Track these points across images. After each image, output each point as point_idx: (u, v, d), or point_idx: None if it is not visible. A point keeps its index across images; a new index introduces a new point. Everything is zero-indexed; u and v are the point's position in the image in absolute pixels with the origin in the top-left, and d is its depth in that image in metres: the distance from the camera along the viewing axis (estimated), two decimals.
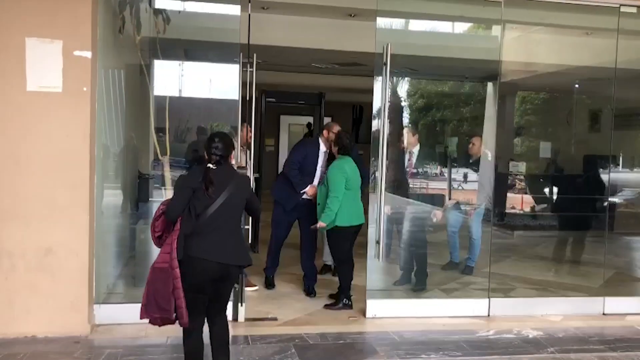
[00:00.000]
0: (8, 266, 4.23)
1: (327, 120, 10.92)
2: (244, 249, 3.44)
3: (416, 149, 5.98)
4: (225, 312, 3.51)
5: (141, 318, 3.26)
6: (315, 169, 5.62)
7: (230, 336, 3.49)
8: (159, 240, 3.30)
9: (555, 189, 7.80)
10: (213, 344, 3.39)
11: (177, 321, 3.20)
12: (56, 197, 4.27)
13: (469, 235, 6.09)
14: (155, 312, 3.19)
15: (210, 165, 3.27)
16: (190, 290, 3.16)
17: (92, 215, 4.39)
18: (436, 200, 6.44)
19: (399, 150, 6.03)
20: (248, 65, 4.78)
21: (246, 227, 4.96)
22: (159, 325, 3.28)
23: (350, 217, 5.12)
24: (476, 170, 6.23)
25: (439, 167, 7.55)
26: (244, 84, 4.83)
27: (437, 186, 7.04)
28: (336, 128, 5.62)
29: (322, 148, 5.61)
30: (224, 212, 3.22)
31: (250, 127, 5.12)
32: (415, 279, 5.70)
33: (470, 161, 6.25)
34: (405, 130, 6.38)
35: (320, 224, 5.06)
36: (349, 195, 5.08)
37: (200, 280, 3.20)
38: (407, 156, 5.98)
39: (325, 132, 5.64)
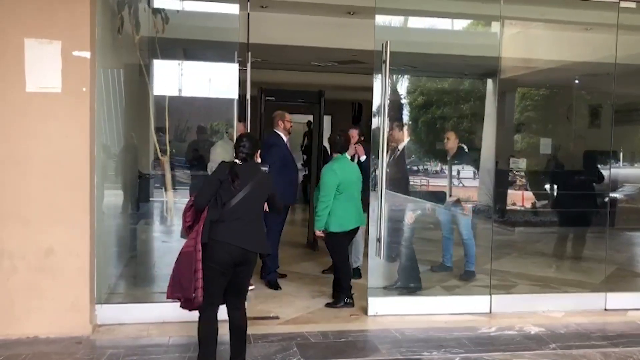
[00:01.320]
0: (9, 267, 4.23)
1: (327, 118, 10.97)
2: (262, 238, 3.72)
3: (402, 146, 5.85)
4: (244, 302, 3.72)
5: (167, 298, 3.57)
6: (292, 157, 6.00)
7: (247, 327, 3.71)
8: (189, 230, 3.57)
9: (555, 185, 7.80)
10: (231, 333, 3.65)
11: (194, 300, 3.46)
12: (56, 198, 4.27)
13: (460, 238, 6.01)
14: (178, 292, 3.48)
15: (237, 161, 3.62)
16: (212, 271, 3.45)
17: (92, 215, 4.39)
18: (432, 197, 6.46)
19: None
20: (247, 64, 4.79)
21: None
22: (182, 307, 3.54)
23: (343, 221, 5.04)
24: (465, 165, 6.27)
25: (439, 164, 7.55)
26: (243, 83, 4.83)
27: (433, 183, 7.06)
28: (289, 116, 5.97)
29: (284, 138, 5.95)
30: (246, 204, 3.53)
31: (246, 125, 5.10)
32: (403, 278, 5.58)
33: (448, 157, 6.21)
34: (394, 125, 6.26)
35: (317, 233, 5.08)
36: (342, 198, 5.01)
37: (222, 261, 3.47)
38: (395, 153, 5.87)
39: (280, 122, 5.93)
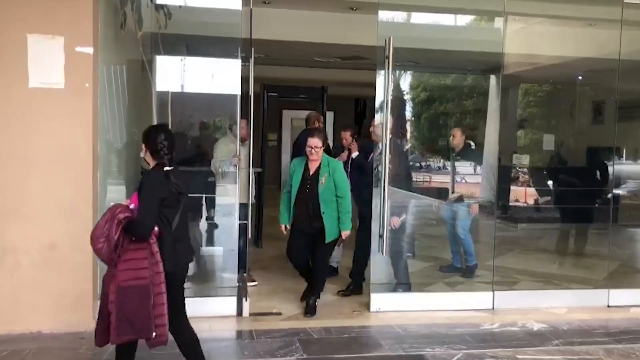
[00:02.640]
0: (12, 263, 4.24)
1: (329, 114, 10.96)
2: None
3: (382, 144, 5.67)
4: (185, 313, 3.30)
5: (112, 343, 3.00)
6: None
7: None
8: (115, 253, 2.92)
9: (558, 182, 7.79)
10: (187, 350, 3.27)
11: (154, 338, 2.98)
12: (59, 193, 4.28)
13: (456, 235, 5.95)
14: (129, 334, 2.94)
15: (167, 168, 3.08)
16: (177, 291, 3.16)
17: (95, 210, 4.39)
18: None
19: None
20: (250, 60, 4.78)
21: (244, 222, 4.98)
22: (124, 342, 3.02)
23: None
24: (473, 162, 6.21)
25: (442, 160, 7.54)
26: (245, 79, 4.83)
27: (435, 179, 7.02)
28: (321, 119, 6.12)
29: None
30: (185, 212, 3.21)
31: (248, 121, 5.07)
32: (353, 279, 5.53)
33: (454, 154, 6.16)
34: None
35: (347, 233, 4.87)
36: None
37: (183, 280, 3.25)
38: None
39: (316, 122, 6.14)
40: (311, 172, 4.85)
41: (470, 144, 6.10)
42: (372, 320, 4.85)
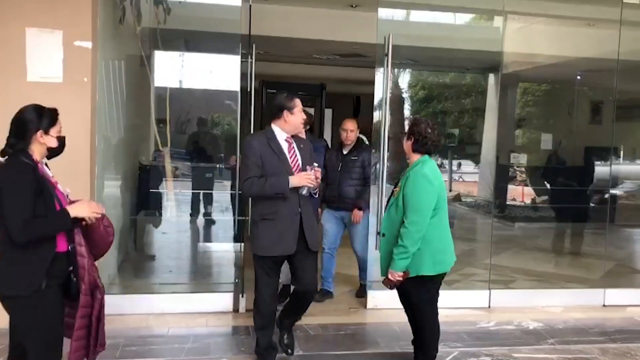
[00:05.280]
0: None
1: (328, 112, 10.96)
2: None
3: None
4: None
5: None
6: None
7: None
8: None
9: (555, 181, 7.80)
10: None
11: None
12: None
13: (353, 251, 5.21)
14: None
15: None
16: None
17: None
18: None
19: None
20: (249, 57, 4.77)
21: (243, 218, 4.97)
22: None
23: (442, 256, 3.55)
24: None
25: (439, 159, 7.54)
26: (245, 75, 4.82)
27: None
28: None
29: None
30: None
31: (249, 118, 4.95)
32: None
33: (344, 152, 5.10)
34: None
35: (396, 275, 3.51)
36: (436, 221, 3.49)
37: None
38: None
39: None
40: None
41: (362, 139, 5.37)
42: (368, 318, 4.86)
